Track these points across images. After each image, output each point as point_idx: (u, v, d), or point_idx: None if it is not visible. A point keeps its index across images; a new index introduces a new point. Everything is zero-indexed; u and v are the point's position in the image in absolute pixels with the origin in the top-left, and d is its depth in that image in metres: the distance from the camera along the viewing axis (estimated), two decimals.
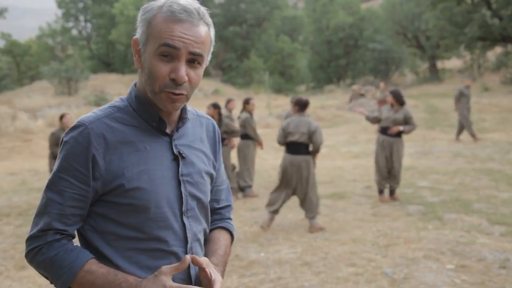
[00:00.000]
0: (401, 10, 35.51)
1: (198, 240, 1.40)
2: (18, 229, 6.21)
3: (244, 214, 6.56)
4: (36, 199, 7.79)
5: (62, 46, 44.08)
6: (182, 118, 1.39)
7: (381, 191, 6.96)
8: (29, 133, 16.21)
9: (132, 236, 1.30)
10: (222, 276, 1.38)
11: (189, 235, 1.36)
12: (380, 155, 6.92)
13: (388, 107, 6.91)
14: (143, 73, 1.31)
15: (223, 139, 7.27)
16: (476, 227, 5.48)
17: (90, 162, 1.26)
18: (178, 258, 1.34)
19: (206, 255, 1.43)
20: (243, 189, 7.85)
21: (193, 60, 1.27)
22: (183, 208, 1.35)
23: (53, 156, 7.78)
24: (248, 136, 7.80)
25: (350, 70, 41.74)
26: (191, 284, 1.36)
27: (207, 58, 1.33)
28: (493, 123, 15.38)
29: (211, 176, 1.47)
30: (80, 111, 18.19)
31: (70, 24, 44.62)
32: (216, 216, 1.56)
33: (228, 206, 1.60)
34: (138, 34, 1.31)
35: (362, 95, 21.56)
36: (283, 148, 6.14)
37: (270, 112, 20.01)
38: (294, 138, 5.65)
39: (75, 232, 1.32)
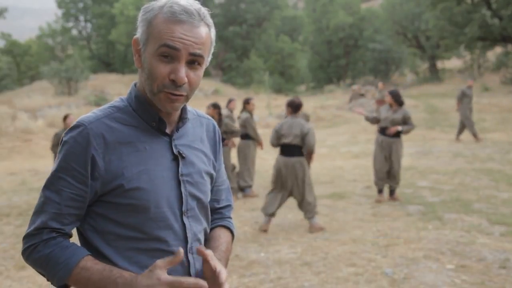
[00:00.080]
0: (401, 10, 35.51)
1: (198, 240, 1.40)
2: (18, 229, 6.21)
3: (244, 214, 6.56)
4: (36, 199, 7.76)
5: (62, 46, 44.09)
6: (182, 118, 1.39)
7: (380, 191, 6.96)
8: (29, 133, 16.22)
9: (132, 236, 1.30)
10: None
11: (189, 235, 1.36)
12: (378, 155, 6.92)
13: (387, 107, 6.91)
14: (143, 73, 1.31)
15: (223, 139, 7.28)
16: (476, 227, 5.48)
17: (89, 162, 1.26)
18: None
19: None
20: (243, 189, 7.85)
21: (193, 61, 1.27)
22: (183, 208, 1.35)
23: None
24: (249, 136, 7.80)
25: (350, 70, 41.74)
26: None
27: (208, 59, 1.33)
28: (493, 123, 15.38)
29: (211, 176, 1.47)
30: (80, 111, 18.20)
31: (70, 24, 44.64)
32: (217, 215, 1.56)
33: (229, 205, 1.61)
34: (138, 34, 1.31)
35: (362, 95, 21.57)
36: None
37: (270, 112, 20.02)
38: (287, 140, 5.66)
39: (72, 232, 1.32)
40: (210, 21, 1.30)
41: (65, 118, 7.91)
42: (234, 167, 7.96)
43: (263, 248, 5.15)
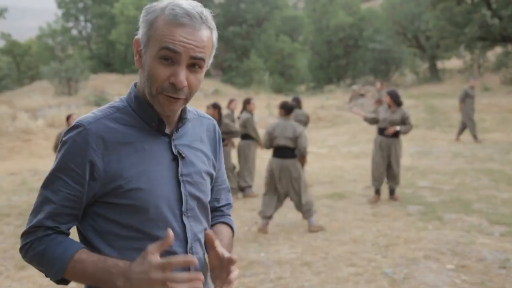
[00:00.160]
0: (401, 10, 35.46)
1: (199, 240, 1.40)
2: (18, 229, 6.21)
3: (244, 214, 6.56)
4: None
5: (62, 46, 44.07)
6: (182, 119, 1.38)
7: (376, 191, 6.94)
8: (29, 133, 16.21)
9: (132, 236, 1.30)
10: None
11: (189, 235, 1.36)
12: (377, 156, 6.90)
13: (385, 107, 6.90)
14: (143, 74, 1.30)
15: (222, 140, 7.28)
16: (476, 227, 5.48)
17: (87, 163, 1.26)
18: None
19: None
20: (243, 189, 7.85)
21: (194, 64, 1.26)
22: (183, 208, 1.35)
23: None
24: (249, 136, 7.80)
25: (350, 70, 41.68)
26: None
27: (208, 61, 1.33)
28: (493, 123, 15.38)
29: (211, 176, 1.47)
30: (80, 111, 18.17)
31: (70, 24, 44.61)
32: (217, 213, 1.58)
33: (228, 204, 1.62)
34: (139, 35, 1.30)
35: (362, 95, 21.56)
36: None
37: (270, 112, 20.01)
38: (280, 142, 5.67)
39: (69, 231, 1.33)
40: (212, 23, 1.29)
41: (68, 118, 7.93)
42: (234, 167, 7.96)
43: (263, 248, 5.15)
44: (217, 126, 1.56)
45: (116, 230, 1.30)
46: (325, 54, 41.51)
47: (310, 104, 19.81)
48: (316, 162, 10.79)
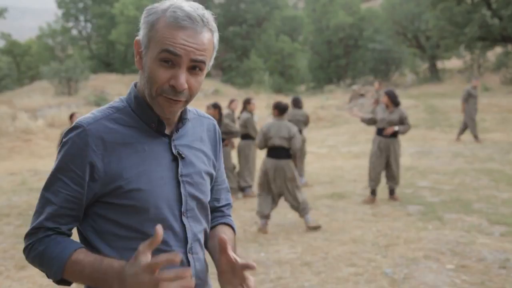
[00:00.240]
0: (401, 10, 35.45)
1: (198, 240, 1.40)
2: (18, 229, 6.21)
3: (244, 214, 6.56)
4: (36, 199, 7.72)
5: (62, 46, 44.06)
6: (182, 119, 1.38)
7: (372, 192, 6.94)
8: (29, 133, 16.22)
9: (132, 236, 1.30)
10: None
11: (189, 236, 1.36)
12: (375, 156, 6.90)
13: (383, 108, 6.89)
14: (143, 75, 1.30)
15: (222, 140, 7.28)
16: (476, 227, 5.48)
17: (87, 164, 1.26)
18: None
19: (214, 249, 1.42)
20: (243, 189, 7.85)
21: (195, 67, 1.26)
22: (182, 209, 1.35)
23: None
24: (249, 136, 7.80)
25: (350, 70, 41.67)
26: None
27: (209, 63, 1.32)
28: (493, 123, 15.38)
29: (211, 176, 1.47)
30: (80, 111, 18.14)
31: (70, 24, 44.60)
32: (217, 213, 1.57)
33: (228, 204, 1.62)
34: (140, 36, 1.30)
35: (362, 95, 21.56)
36: None
37: (270, 112, 20.00)
38: (275, 142, 5.68)
39: (71, 232, 1.33)
40: (213, 26, 1.29)
41: (71, 116, 7.98)
42: (234, 167, 7.96)
43: (263, 248, 5.15)
44: (217, 126, 1.56)
45: (116, 230, 1.30)
46: (325, 54, 41.50)
47: (310, 104, 19.80)
48: (316, 162, 10.79)
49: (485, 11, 25.59)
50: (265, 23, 42.86)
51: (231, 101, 8.56)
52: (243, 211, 6.71)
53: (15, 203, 7.76)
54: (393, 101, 6.77)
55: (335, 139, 14.81)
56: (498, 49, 30.00)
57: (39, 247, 1.27)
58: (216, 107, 7.33)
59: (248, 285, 1.29)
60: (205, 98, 23.64)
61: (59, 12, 44.04)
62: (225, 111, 8.07)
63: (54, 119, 17.67)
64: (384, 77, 36.00)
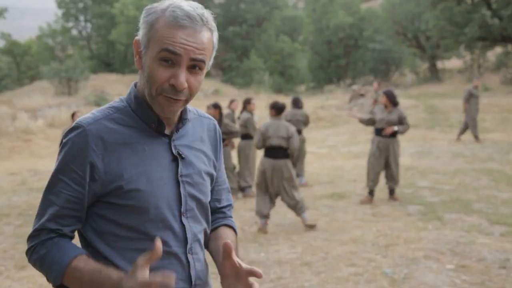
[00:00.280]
0: (401, 10, 35.45)
1: (198, 240, 1.40)
2: (18, 229, 6.21)
3: (244, 214, 6.56)
4: (36, 199, 7.79)
5: (62, 46, 44.04)
6: (182, 119, 1.38)
7: (370, 192, 6.93)
8: (29, 133, 16.22)
9: (132, 237, 1.30)
10: None
11: (189, 236, 1.36)
12: (374, 157, 6.89)
13: (382, 108, 6.90)
14: (143, 75, 1.30)
15: (223, 140, 7.27)
16: (476, 227, 5.48)
17: (87, 164, 1.26)
18: (178, 259, 1.34)
19: (216, 250, 1.42)
20: (243, 189, 7.85)
21: (194, 66, 1.26)
22: (182, 209, 1.35)
23: None
24: (249, 136, 7.79)
25: (350, 70, 41.66)
26: (191, 285, 1.36)
27: (209, 63, 1.33)
28: (493, 123, 15.38)
29: (211, 176, 1.47)
30: (80, 111, 18.17)
31: (70, 24, 44.58)
32: (219, 214, 1.57)
33: (229, 205, 1.61)
34: (139, 36, 1.30)
35: (362, 95, 21.56)
36: None
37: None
38: (273, 142, 5.68)
39: (73, 234, 1.33)
40: (213, 25, 1.29)
41: (73, 115, 8.00)
42: (234, 167, 7.96)
43: (263, 248, 5.15)
44: (217, 126, 1.55)
45: (116, 231, 1.30)
46: (325, 54, 41.49)
47: (310, 104, 19.80)
48: (316, 162, 10.79)
49: (485, 11, 25.59)
50: (265, 23, 42.85)
51: (231, 101, 8.57)
52: (243, 211, 6.71)
53: (15, 203, 7.76)
54: (392, 101, 6.78)
55: (335, 139, 14.81)
56: (498, 49, 30.00)
57: (41, 251, 1.27)
58: (216, 107, 7.33)
59: None
60: (205, 98, 23.64)
61: (59, 12, 44.03)
62: (225, 111, 8.07)
63: (54, 119, 17.67)
64: (384, 77, 35.99)
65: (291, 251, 4.98)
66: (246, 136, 7.83)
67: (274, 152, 5.74)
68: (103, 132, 1.28)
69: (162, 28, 1.23)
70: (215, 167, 1.50)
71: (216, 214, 1.56)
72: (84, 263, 1.24)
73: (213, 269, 1.41)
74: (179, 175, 1.35)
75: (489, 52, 31.31)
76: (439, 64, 35.90)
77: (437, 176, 8.56)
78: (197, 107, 1.57)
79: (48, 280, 1.28)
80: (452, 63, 36.58)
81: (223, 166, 1.58)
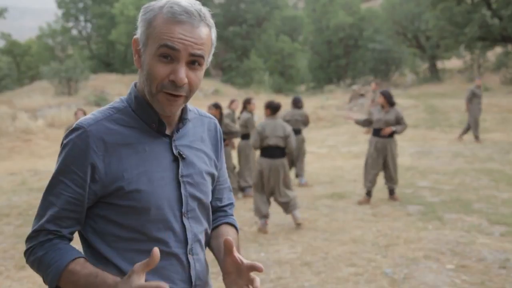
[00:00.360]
0: (401, 10, 35.45)
1: (199, 241, 1.40)
2: (18, 229, 6.21)
3: (244, 214, 6.55)
4: (36, 199, 7.79)
5: (62, 46, 44.03)
6: (182, 119, 1.38)
7: (368, 193, 6.93)
8: (29, 133, 16.21)
9: (132, 237, 1.30)
10: None
11: (189, 236, 1.36)
12: (371, 158, 6.89)
13: (379, 108, 6.91)
14: (142, 73, 1.30)
15: (223, 140, 7.26)
16: (476, 227, 5.48)
17: (88, 165, 1.26)
18: (178, 259, 1.34)
19: (218, 248, 1.42)
20: (243, 189, 7.85)
21: (194, 61, 1.26)
22: (183, 209, 1.35)
23: None
24: (249, 136, 7.79)
25: (350, 70, 41.66)
26: (191, 286, 1.36)
27: (208, 59, 1.32)
28: (493, 123, 15.38)
29: (212, 176, 1.47)
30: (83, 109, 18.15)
31: (70, 24, 44.56)
32: (220, 213, 1.57)
33: (231, 203, 1.61)
34: (138, 34, 1.30)
35: (362, 95, 21.56)
36: None
37: None
38: (271, 142, 5.69)
39: (72, 236, 1.32)
40: (211, 21, 1.29)
41: (76, 113, 8.03)
42: (234, 167, 7.96)
43: (263, 248, 5.15)
44: (218, 125, 1.55)
45: (117, 231, 1.29)
46: (325, 54, 41.50)
47: (310, 104, 19.81)
48: (316, 162, 10.79)
49: (485, 11, 25.60)
50: (265, 23, 42.84)
51: (232, 101, 8.57)
52: (243, 211, 6.71)
53: (15, 203, 7.76)
54: (389, 101, 6.81)
55: (335, 139, 14.81)
56: (498, 49, 30.00)
57: (39, 252, 1.27)
58: (217, 107, 7.32)
59: (254, 286, 1.29)
60: (205, 98, 23.64)
61: (59, 12, 44.01)
62: (225, 111, 8.07)
63: (54, 119, 17.67)
64: (384, 77, 36.01)
65: (291, 251, 4.98)
66: (246, 136, 7.83)
67: (272, 151, 5.75)
68: (104, 133, 1.28)
69: (160, 25, 1.23)
70: (216, 167, 1.49)
71: (218, 212, 1.56)
72: (81, 266, 1.24)
73: (213, 269, 1.41)
74: (179, 175, 1.35)
75: (489, 52, 31.32)
76: (439, 64, 35.91)
77: (437, 176, 8.56)
78: (198, 107, 1.57)
79: (44, 282, 1.28)
80: (452, 63, 36.59)
81: (224, 165, 1.58)
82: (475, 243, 4.92)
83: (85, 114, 7.94)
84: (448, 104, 19.60)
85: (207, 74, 36.12)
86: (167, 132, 1.35)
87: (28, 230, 1.32)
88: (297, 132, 8.23)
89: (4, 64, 38.80)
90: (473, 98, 12.15)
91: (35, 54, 43.16)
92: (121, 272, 1.26)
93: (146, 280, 1.18)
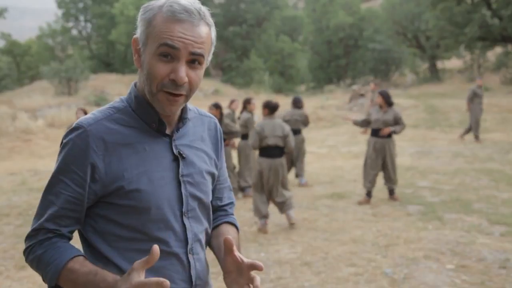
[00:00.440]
0: (401, 10, 35.46)
1: (199, 240, 1.40)
2: (18, 229, 6.21)
3: (244, 214, 6.55)
4: (36, 199, 7.79)
5: (62, 46, 44.02)
6: (182, 118, 1.38)
7: (368, 193, 6.93)
8: (29, 133, 16.21)
9: (132, 237, 1.30)
10: None
11: (189, 236, 1.36)
12: (370, 159, 6.89)
13: (377, 108, 6.92)
14: (142, 73, 1.29)
15: (224, 139, 7.26)
16: (476, 227, 5.48)
17: (88, 165, 1.26)
18: (179, 259, 1.34)
19: (218, 247, 1.42)
20: (243, 189, 7.85)
21: (194, 60, 1.25)
22: (183, 209, 1.35)
23: None
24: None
25: (350, 70, 41.66)
26: (191, 285, 1.36)
27: (208, 58, 1.32)
28: (493, 123, 15.38)
29: (212, 175, 1.47)
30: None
31: (70, 24, 44.57)
32: (221, 212, 1.57)
33: (231, 203, 1.61)
34: (138, 34, 1.30)
35: (362, 95, 21.56)
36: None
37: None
38: (271, 142, 5.69)
39: (71, 235, 1.32)
40: (210, 20, 1.29)
41: (77, 112, 8.05)
42: (234, 167, 7.96)
43: (263, 248, 5.15)
44: (218, 124, 1.55)
45: (117, 231, 1.29)
46: (325, 54, 41.50)
47: (310, 104, 19.81)
48: (316, 162, 10.79)
49: (485, 11, 25.60)
50: (265, 23, 42.84)
51: (232, 101, 8.57)
52: (243, 211, 6.71)
53: (15, 203, 7.76)
54: (387, 101, 6.82)
55: (335, 139, 14.81)
56: (498, 49, 30.00)
57: (38, 251, 1.27)
58: (217, 107, 7.32)
59: (254, 285, 1.29)
60: (205, 98, 23.65)
61: (59, 12, 44.01)
62: (225, 111, 8.07)
63: (54, 119, 17.67)
64: (384, 77, 36.01)
65: (291, 251, 4.98)
66: (246, 136, 7.83)
67: (271, 151, 5.76)
68: (104, 133, 1.28)
69: (160, 24, 1.23)
70: (216, 166, 1.49)
71: (218, 212, 1.56)
72: (80, 265, 1.23)
73: (213, 268, 1.41)
74: (180, 175, 1.35)
75: (489, 52, 31.32)
76: (439, 64, 35.91)
77: (437, 176, 8.56)
78: (198, 107, 1.57)
79: (44, 280, 1.28)
80: (452, 63, 36.59)
81: (224, 164, 1.58)
82: (475, 243, 4.92)
83: (85, 113, 7.94)
84: (448, 104, 19.60)
85: (207, 74, 36.12)
86: (167, 131, 1.35)
87: (28, 230, 1.32)
88: (297, 132, 8.23)
89: (4, 64, 38.81)
90: (475, 98, 12.15)
91: (35, 54, 43.16)
92: (121, 272, 1.25)
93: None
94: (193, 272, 1.36)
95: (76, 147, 1.26)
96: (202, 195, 1.40)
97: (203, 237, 1.42)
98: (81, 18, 44.41)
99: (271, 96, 25.57)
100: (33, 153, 14.58)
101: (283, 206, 5.81)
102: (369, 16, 40.73)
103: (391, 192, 7.01)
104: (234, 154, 8.31)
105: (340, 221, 6.04)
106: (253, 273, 1.29)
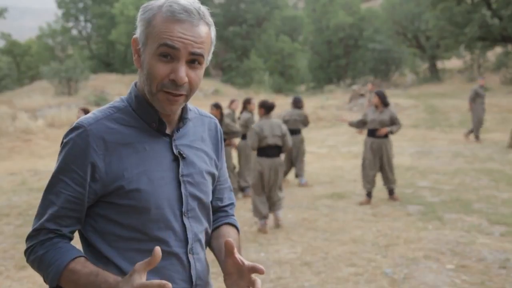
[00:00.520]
0: (401, 10, 35.46)
1: (199, 240, 1.40)
2: (18, 229, 6.21)
3: (244, 214, 6.55)
4: (36, 199, 7.79)
5: (62, 46, 44.02)
6: (182, 118, 1.38)
7: (368, 194, 6.93)
8: (29, 133, 16.21)
9: (132, 237, 1.29)
10: None
11: (189, 236, 1.36)
12: (367, 158, 6.90)
13: (373, 109, 6.92)
14: (142, 73, 1.29)
15: (224, 140, 7.25)
16: (476, 227, 5.48)
17: (88, 164, 1.25)
18: (179, 259, 1.34)
19: (219, 249, 1.42)
20: (243, 189, 7.85)
21: (194, 60, 1.25)
22: (183, 209, 1.35)
23: None
24: None
25: (350, 70, 41.65)
26: (191, 285, 1.36)
27: (208, 58, 1.32)
28: (493, 123, 15.38)
29: (212, 175, 1.47)
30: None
31: (70, 24, 44.56)
32: (221, 213, 1.56)
33: (231, 204, 1.61)
34: (137, 34, 1.30)
35: (362, 95, 21.56)
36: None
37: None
38: (270, 141, 5.70)
39: (72, 235, 1.32)
40: (210, 20, 1.29)
41: (78, 112, 8.05)
42: (234, 167, 7.96)
43: (263, 248, 5.15)
44: (218, 125, 1.55)
45: (117, 231, 1.29)
46: (325, 54, 41.50)
47: (310, 104, 19.81)
48: (316, 162, 10.79)
49: (485, 11, 25.58)
50: (265, 23, 42.83)
51: (232, 101, 8.57)
52: (243, 211, 6.71)
53: (15, 203, 7.76)
54: (383, 102, 6.84)
55: (335, 139, 14.81)
56: (498, 49, 30.00)
57: (39, 251, 1.27)
58: (218, 107, 7.32)
59: (255, 287, 1.29)
60: (205, 98, 23.65)
61: (59, 12, 44.01)
62: (225, 111, 8.07)
63: (54, 119, 17.66)
64: (384, 77, 36.01)
65: (291, 251, 4.99)
66: (246, 136, 7.82)
67: (270, 151, 5.77)
68: (104, 132, 1.28)
69: (159, 24, 1.23)
70: (216, 166, 1.49)
71: (218, 213, 1.55)
72: (82, 265, 1.23)
73: (213, 269, 1.41)
74: (180, 175, 1.35)
75: (489, 52, 31.32)
76: (439, 64, 35.91)
77: (437, 176, 8.56)
78: (198, 107, 1.57)
79: (45, 281, 1.28)
80: (452, 63, 36.59)
81: (225, 164, 1.58)
82: (475, 243, 4.92)
83: (86, 113, 7.93)
84: (448, 104, 19.61)
85: (207, 74, 36.10)
86: (167, 131, 1.35)
87: (28, 230, 1.32)
88: (296, 132, 8.24)
89: (4, 64, 38.80)
90: (477, 98, 12.15)
91: (35, 54, 43.16)
92: (122, 272, 1.25)
93: (147, 280, 1.17)
94: (193, 272, 1.36)
95: (77, 146, 1.26)
96: (202, 195, 1.40)
97: (203, 237, 1.42)
98: (81, 18, 44.41)
99: (271, 96, 25.59)
100: (33, 153, 14.58)
101: (273, 206, 5.83)
102: (369, 16, 40.73)
103: (391, 192, 7.01)
104: (234, 154, 8.31)
105: (340, 221, 6.04)
106: (254, 276, 1.29)
